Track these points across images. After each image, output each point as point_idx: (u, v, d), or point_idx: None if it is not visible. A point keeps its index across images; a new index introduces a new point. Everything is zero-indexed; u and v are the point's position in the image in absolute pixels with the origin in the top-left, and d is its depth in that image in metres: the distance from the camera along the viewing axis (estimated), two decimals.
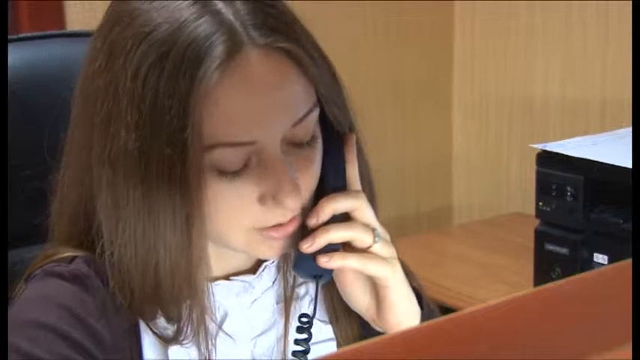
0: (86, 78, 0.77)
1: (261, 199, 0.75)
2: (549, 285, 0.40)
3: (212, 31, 0.70)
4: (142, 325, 0.80)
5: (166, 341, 0.79)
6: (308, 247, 0.77)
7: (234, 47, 0.70)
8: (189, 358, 0.80)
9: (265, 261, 0.85)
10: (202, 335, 0.80)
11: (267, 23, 0.73)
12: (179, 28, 0.70)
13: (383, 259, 0.80)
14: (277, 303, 0.86)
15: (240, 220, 0.75)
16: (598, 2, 2.04)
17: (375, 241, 0.79)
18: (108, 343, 0.76)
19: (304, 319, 0.83)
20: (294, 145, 0.76)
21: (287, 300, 0.86)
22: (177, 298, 0.77)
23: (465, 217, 2.47)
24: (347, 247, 0.80)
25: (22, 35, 1.02)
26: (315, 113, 0.76)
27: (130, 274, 0.76)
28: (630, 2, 1.95)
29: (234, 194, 0.74)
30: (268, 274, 0.86)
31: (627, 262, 0.43)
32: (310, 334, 0.82)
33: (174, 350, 0.80)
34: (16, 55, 0.98)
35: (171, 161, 0.70)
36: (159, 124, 0.70)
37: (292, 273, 0.86)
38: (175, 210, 0.72)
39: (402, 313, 0.82)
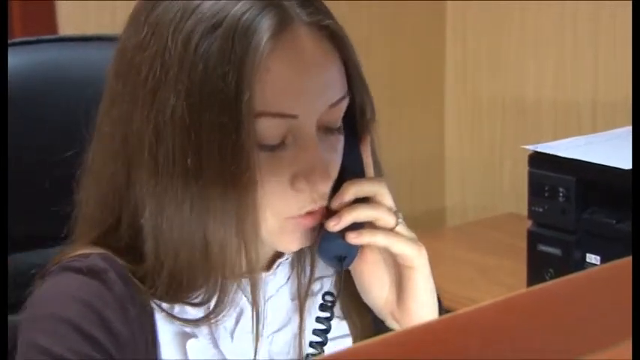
0: (127, 52, 0.76)
1: (294, 180, 0.75)
2: (541, 285, 0.41)
3: (263, 5, 0.72)
4: (159, 321, 0.79)
5: (194, 323, 0.79)
6: (334, 224, 0.77)
7: (284, 21, 0.73)
8: (208, 354, 0.80)
9: (279, 258, 0.85)
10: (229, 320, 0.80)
11: (311, 3, 0.75)
12: (229, 2, 0.72)
13: (408, 238, 0.81)
14: (292, 300, 0.86)
15: (273, 202, 0.75)
16: (589, 4, 2.05)
17: (398, 223, 0.80)
18: (125, 338, 0.76)
19: (328, 298, 0.83)
20: (325, 131, 0.77)
21: (301, 297, 0.86)
22: (224, 271, 0.76)
23: (459, 218, 2.48)
24: (371, 227, 0.80)
25: (15, 40, 1.03)
26: (347, 101, 0.78)
27: (176, 246, 0.75)
28: (622, 4, 1.96)
29: (270, 171, 0.74)
30: (282, 271, 0.86)
31: (618, 263, 0.44)
32: (332, 313, 0.82)
33: (192, 345, 0.80)
34: (8, 60, 0.98)
35: (224, 129, 0.71)
36: (212, 91, 0.71)
37: (306, 271, 0.86)
38: (227, 178, 0.72)
39: (424, 301, 0.82)
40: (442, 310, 0.86)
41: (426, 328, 0.37)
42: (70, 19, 1.83)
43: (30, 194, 0.84)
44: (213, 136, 0.71)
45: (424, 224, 2.44)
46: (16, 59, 0.99)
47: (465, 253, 1.95)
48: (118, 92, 0.77)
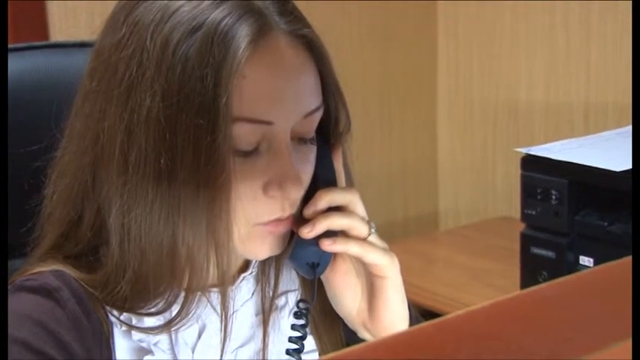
0: (103, 51, 0.76)
1: (266, 187, 0.75)
2: (534, 288, 0.41)
3: (242, 12, 0.72)
4: (117, 337, 0.79)
5: (154, 331, 0.78)
6: (308, 231, 0.77)
7: (263, 28, 0.73)
8: None
9: (244, 272, 0.85)
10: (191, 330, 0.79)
11: (290, 12, 0.76)
12: (210, 6, 0.72)
13: (381, 248, 0.80)
14: (256, 315, 0.86)
15: (244, 208, 0.75)
16: (581, 3, 2.05)
17: (370, 232, 0.80)
18: (80, 356, 0.75)
19: (302, 305, 0.83)
20: (298, 140, 0.77)
21: (266, 311, 0.85)
22: (192, 278, 0.75)
23: (452, 222, 2.48)
24: (344, 237, 0.80)
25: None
26: (321, 112, 0.78)
27: (142, 246, 0.74)
28: (612, 5, 1.97)
29: (243, 176, 0.74)
30: (246, 285, 0.85)
31: (612, 264, 0.44)
32: (307, 320, 0.82)
33: None
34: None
35: (200, 131, 0.70)
36: (189, 93, 0.70)
37: (271, 285, 0.86)
38: (201, 180, 0.71)
39: (396, 311, 0.82)
40: (413, 319, 0.86)
41: (417, 332, 0.37)
42: (61, 27, 1.83)
43: (22, 201, 0.84)
44: (188, 138, 0.71)
45: (417, 228, 2.45)
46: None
47: (458, 257, 1.95)
48: (92, 90, 0.76)
